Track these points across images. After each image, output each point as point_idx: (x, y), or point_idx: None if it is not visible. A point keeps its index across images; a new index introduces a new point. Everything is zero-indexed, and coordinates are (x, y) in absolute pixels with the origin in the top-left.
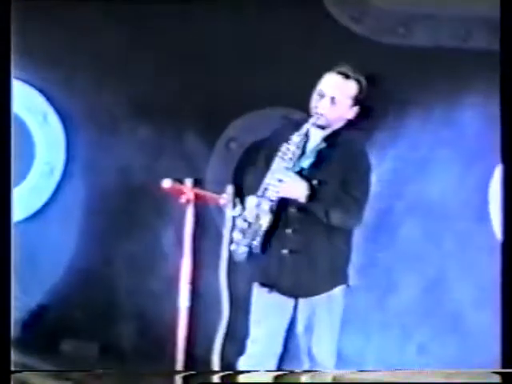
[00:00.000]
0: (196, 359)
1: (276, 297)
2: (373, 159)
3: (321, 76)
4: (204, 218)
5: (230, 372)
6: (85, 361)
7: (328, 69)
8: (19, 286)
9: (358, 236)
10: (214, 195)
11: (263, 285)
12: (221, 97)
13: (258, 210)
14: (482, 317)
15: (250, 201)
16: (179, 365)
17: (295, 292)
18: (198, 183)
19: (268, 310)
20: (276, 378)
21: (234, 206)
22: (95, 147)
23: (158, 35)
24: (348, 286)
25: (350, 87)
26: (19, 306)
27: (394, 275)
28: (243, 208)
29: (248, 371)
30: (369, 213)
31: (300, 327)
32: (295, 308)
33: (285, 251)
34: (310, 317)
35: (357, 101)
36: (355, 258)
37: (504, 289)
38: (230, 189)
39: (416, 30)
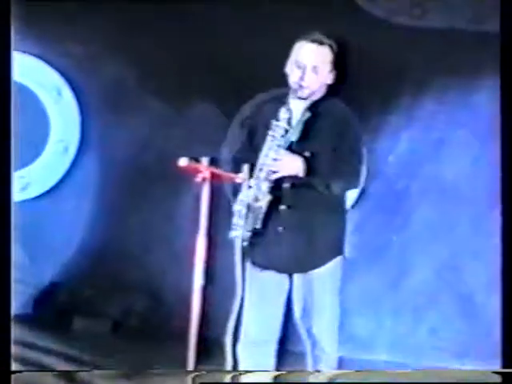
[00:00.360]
0: (208, 339)
1: (271, 275)
2: (387, 140)
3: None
4: (220, 196)
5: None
6: (97, 338)
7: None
8: (32, 263)
9: (373, 218)
10: (231, 174)
11: (256, 264)
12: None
13: (256, 193)
14: (493, 301)
15: (245, 191)
16: (191, 345)
17: (290, 269)
18: (214, 162)
19: (263, 290)
20: (275, 377)
21: (250, 186)
22: (110, 124)
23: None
24: (344, 257)
25: (327, 53)
26: (32, 283)
27: (407, 257)
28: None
29: (255, 371)
30: (384, 194)
31: (297, 305)
32: (291, 285)
33: (280, 228)
34: (307, 294)
35: (334, 65)
36: (369, 240)
37: (504, 288)
38: (246, 168)
39: (431, 11)
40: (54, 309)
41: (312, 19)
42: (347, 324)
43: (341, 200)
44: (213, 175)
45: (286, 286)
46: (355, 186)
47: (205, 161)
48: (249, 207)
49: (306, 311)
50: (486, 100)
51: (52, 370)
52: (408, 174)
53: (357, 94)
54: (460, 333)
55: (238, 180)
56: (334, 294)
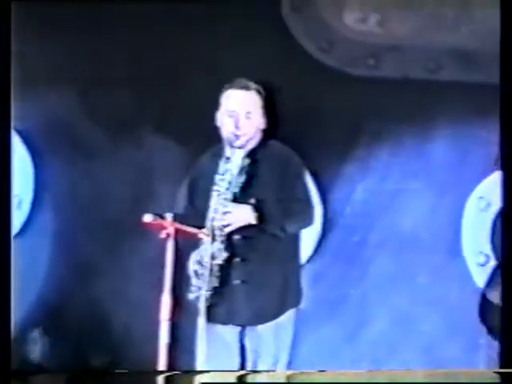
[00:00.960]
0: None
1: (223, 330)
2: (343, 191)
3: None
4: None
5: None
6: None
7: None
8: None
9: (330, 271)
10: (194, 230)
11: (215, 320)
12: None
13: (212, 250)
14: (453, 350)
15: (202, 246)
16: None
17: (246, 321)
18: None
19: (217, 346)
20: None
21: (213, 240)
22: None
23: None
24: (298, 308)
25: (256, 98)
26: None
27: (366, 309)
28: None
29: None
30: (341, 246)
31: (249, 358)
32: (242, 341)
33: (236, 281)
34: (257, 349)
35: (264, 109)
36: (327, 292)
37: (504, 288)
38: (209, 223)
39: (385, 61)
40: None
41: (264, 68)
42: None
43: (295, 248)
44: (177, 231)
45: (239, 339)
46: (310, 223)
47: (169, 216)
48: (208, 267)
49: (257, 366)
50: (440, 149)
51: (52, 370)
52: (365, 224)
53: (311, 145)
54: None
55: (201, 236)
56: (287, 345)
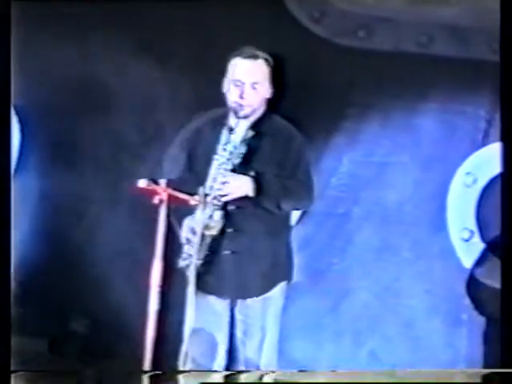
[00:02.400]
0: (163, 362)
1: (216, 301)
2: (329, 162)
3: None
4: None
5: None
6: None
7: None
8: None
9: (313, 242)
10: (187, 196)
11: (204, 290)
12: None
13: (208, 221)
14: (435, 324)
15: (200, 213)
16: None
17: (237, 294)
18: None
19: (209, 316)
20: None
21: (205, 207)
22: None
23: None
24: (289, 282)
25: (263, 67)
26: None
27: (348, 281)
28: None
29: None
30: (326, 217)
31: (239, 332)
32: (233, 311)
33: (227, 252)
34: (246, 320)
35: (271, 79)
36: (310, 262)
37: (504, 288)
38: (201, 190)
39: (376, 33)
40: None
41: (254, 38)
42: (287, 348)
43: (287, 222)
44: (170, 197)
45: (229, 311)
46: (307, 205)
47: (163, 182)
48: (200, 235)
49: (244, 335)
50: (429, 124)
51: (52, 370)
52: (350, 196)
53: (300, 115)
54: (401, 357)
55: (193, 202)
56: (276, 318)
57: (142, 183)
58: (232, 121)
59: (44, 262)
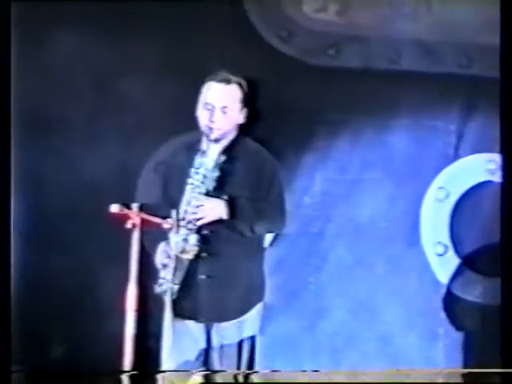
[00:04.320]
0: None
1: (190, 325)
2: (302, 181)
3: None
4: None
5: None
6: None
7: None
8: None
9: (288, 261)
10: (160, 220)
11: (181, 315)
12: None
13: (184, 244)
14: (412, 340)
15: (174, 237)
16: None
17: (213, 318)
18: (144, 208)
19: (183, 341)
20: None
21: (178, 230)
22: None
23: None
24: (263, 302)
25: (235, 92)
26: None
27: (324, 299)
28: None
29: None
30: (300, 235)
31: (215, 355)
32: (209, 334)
33: (202, 277)
34: (222, 342)
35: (244, 103)
36: (285, 282)
37: (504, 288)
38: (174, 213)
39: (346, 51)
40: None
41: (224, 60)
42: (266, 368)
43: (261, 244)
44: (143, 221)
45: (205, 335)
46: (280, 228)
47: (135, 207)
48: (175, 260)
49: (222, 357)
50: (400, 139)
51: (51, 370)
52: (323, 214)
53: (271, 135)
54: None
55: (166, 226)
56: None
57: (115, 208)
58: (205, 144)
59: (17, 288)
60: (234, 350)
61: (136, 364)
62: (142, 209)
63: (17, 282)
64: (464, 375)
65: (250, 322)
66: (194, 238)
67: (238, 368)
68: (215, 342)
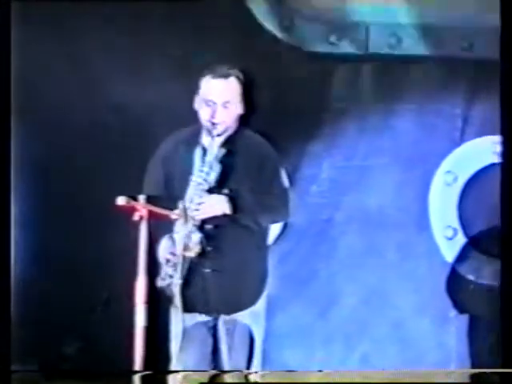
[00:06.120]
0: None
1: (199, 318)
2: (309, 170)
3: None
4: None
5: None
6: None
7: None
8: None
9: (298, 249)
10: (167, 211)
11: (187, 308)
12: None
13: (187, 241)
14: (424, 324)
15: (177, 234)
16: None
17: (219, 311)
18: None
19: (191, 335)
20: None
21: (186, 221)
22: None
23: None
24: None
25: (235, 85)
26: None
27: (335, 286)
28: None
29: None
30: (309, 224)
31: (223, 347)
32: (217, 328)
33: (207, 270)
34: (231, 334)
35: (243, 95)
36: (296, 270)
37: (504, 288)
38: (181, 204)
39: (347, 37)
40: None
41: (226, 52)
42: (279, 356)
43: (265, 236)
44: (150, 213)
45: (212, 328)
46: (284, 217)
47: (142, 199)
48: (180, 255)
49: (231, 349)
50: (406, 125)
51: (51, 370)
52: (332, 202)
53: (276, 125)
54: (392, 358)
55: (174, 217)
56: (260, 329)
57: (121, 200)
58: (205, 139)
59: (26, 285)
60: (243, 343)
61: (147, 358)
62: (148, 200)
63: (23, 279)
64: (464, 375)
65: (256, 312)
66: (196, 236)
67: (248, 361)
68: (223, 333)
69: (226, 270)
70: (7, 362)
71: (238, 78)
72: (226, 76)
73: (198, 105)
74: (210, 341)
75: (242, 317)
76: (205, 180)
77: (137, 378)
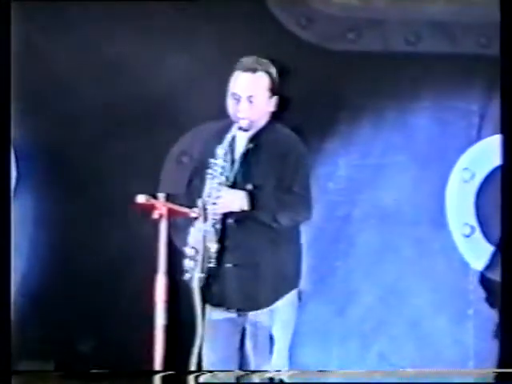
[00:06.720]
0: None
1: (223, 314)
2: (326, 167)
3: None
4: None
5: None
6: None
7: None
8: None
9: (316, 245)
10: (186, 209)
11: (210, 303)
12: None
13: (205, 234)
14: (441, 322)
15: (195, 228)
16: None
17: (242, 306)
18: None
19: (217, 330)
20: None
21: (205, 219)
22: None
23: None
24: (299, 290)
25: (262, 80)
26: None
27: (352, 284)
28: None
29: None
30: (326, 221)
31: (248, 343)
32: (243, 324)
33: (229, 265)
34: (255, 331)
35: (273, 91)
36: (313, 268)
37: (504, 288)
38: (200, 202)
39: (365, 35)
40: None
41: (246, 48)
42: (296, 354)
43: (292, 232)
44: (170, 211)
45: (239, 324)
46: (306, 217)
47: (161, 197)
48: (202, 250)
49: (256, 346)
50: (422, 122)
51: (51, 370)
52: (349, 199)
53: (292, 121)
54: (409, 356)
55: (193, 215)
56: (286, 328)
57: (141, 198)
58: (230, 134)
59: (46, 284)
60: (267, 337)
61: (167, 357)
62: (168, 199)
63: (43, 277)
64: (464, 375)
65: (282, 310)
66: (216, 231)
67: (270, 356)
68: (248, 329)
69: (248, 265)
70: (7, 362)
71: (267, 72)
72: (254, 70)
73: (228, 99)
74: (236, 338)
75: (267, 312)
76: (225, 175)
77: (157, 379)
